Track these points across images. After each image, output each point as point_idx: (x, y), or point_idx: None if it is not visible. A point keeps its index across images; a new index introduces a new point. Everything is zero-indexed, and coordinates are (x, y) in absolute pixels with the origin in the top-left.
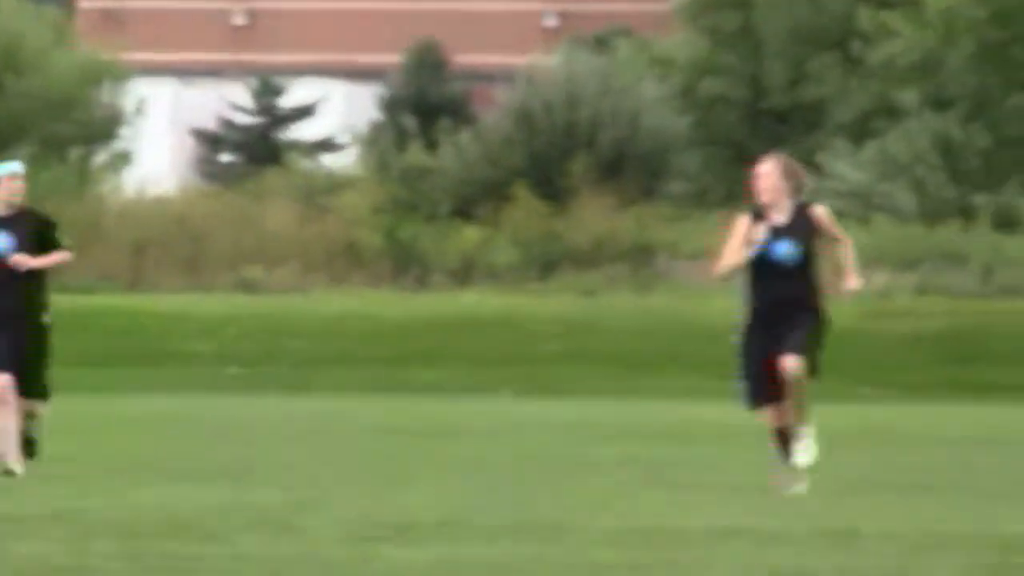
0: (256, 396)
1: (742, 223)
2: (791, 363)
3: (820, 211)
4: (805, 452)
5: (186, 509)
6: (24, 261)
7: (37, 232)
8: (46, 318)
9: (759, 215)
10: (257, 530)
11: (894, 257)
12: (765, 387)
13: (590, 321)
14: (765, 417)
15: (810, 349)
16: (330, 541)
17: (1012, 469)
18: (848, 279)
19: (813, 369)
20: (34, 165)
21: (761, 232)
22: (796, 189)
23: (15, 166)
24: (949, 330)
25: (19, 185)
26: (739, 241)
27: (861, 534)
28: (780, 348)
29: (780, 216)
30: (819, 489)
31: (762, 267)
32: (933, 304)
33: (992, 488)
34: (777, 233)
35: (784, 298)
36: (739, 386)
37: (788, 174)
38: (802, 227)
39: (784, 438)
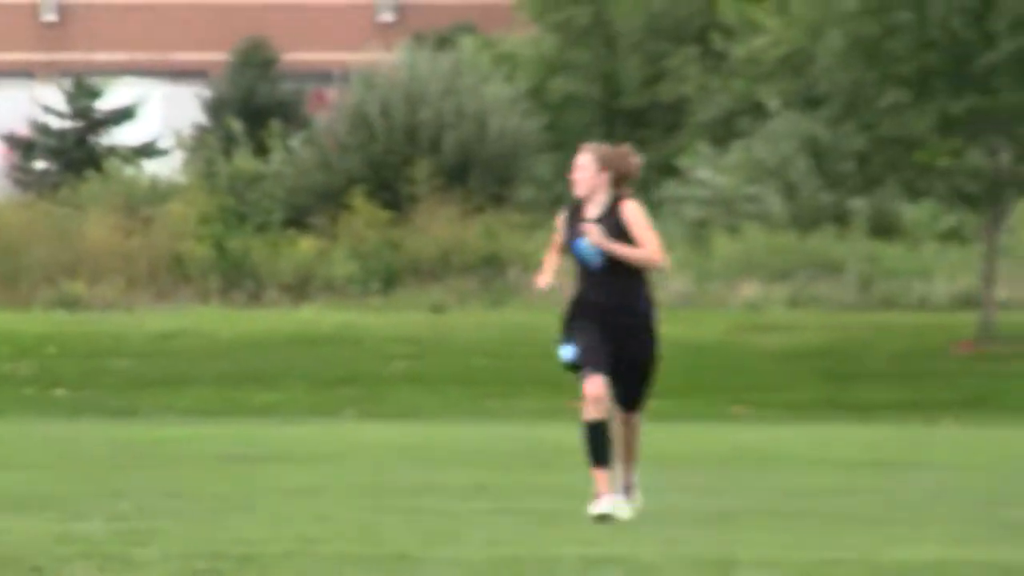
0: (79, 420)
1: (559, 222)
2: (632, 418)
3: (629, 207)
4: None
5: (10, 542)
6: None
7: None
8: None
9: (576, 211)
10: (87, 563)
11: (765, 267)
12: (597, 358)
13: (438, 338)
14: (589, 392)
15: (649, 391)
16: (166, 574)
17: (894, 492)
18: (600, 234)
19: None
20: None
21: (589, 235)
22: (617, 181)
23: None
24: (825, 345)
25: None
26: (557, 243)
27: (739, 563)
28: (620, 400)
29: (591, 212)
30: (694, 516)
31: (580, 266)
32: (808, 317)
33: (874, 513)
34: (583, 231)
35: (605, 302)
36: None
37: (605, 165)
38: (609, 226)
39: (603, 439)
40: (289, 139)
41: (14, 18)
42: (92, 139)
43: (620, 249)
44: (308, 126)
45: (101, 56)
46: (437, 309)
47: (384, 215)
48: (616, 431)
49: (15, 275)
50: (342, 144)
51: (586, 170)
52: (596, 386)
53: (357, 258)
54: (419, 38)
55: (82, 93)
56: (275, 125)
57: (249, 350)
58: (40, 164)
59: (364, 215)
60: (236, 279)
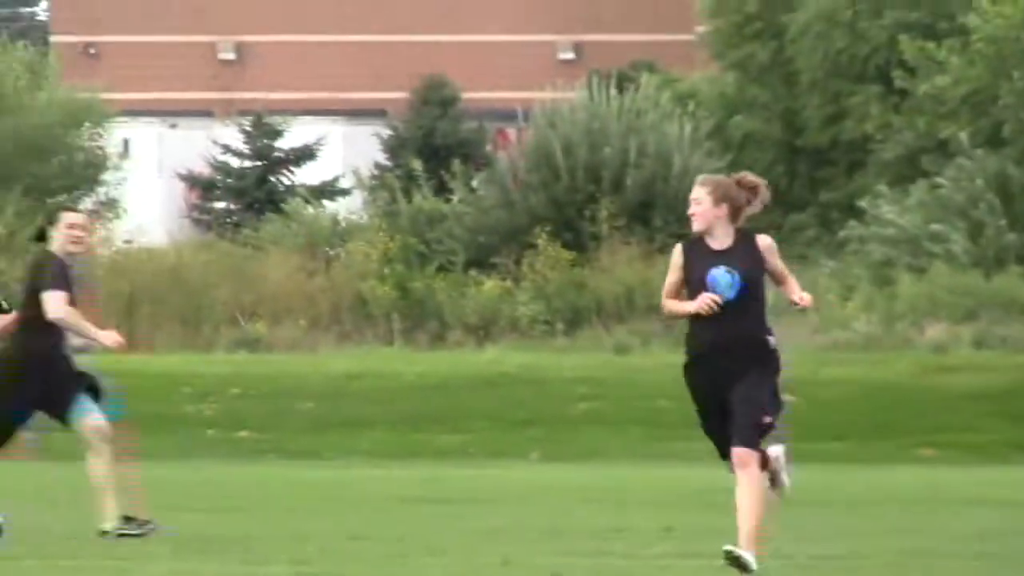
0: (263, 462)
1: (677, 255)
2: (742, 456)
3: (765, 240)
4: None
5: None
6: None
7: None
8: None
9: (699, 245)
10: None
11: (950, 307)
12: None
13: (621, 380)
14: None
15: (766, 424)
16: None
17: None
18: (793, 293)
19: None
20: (19, 217)
21: (719, 282)
22: (735, 214)
23: None
24: (1013, 386)
25: None
26: (677, 278)
27: None
28: (731, 428)
29: (718, 244)
30: (881, 558)
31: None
32: (994, 359)
33: None
34: (715, 262)
35: (726, 338)
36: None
37: (721, 198)
38: (744, 256)
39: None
40: (470, 178)
41: (192, 57)
42: (272, 178)
43: (808, 299)
44: (489, 165)
45: (279, 95)
46: (621, 350)
47: (567, 255)
48: (739, 494)
49: (196, 316)
50: (524, 183)
51: (701, 204)
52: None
53: (541, 298)
54: (599, 76)
55: (261, 132)
56: (456, 164)
57: (432, 391)
58: (220, 204)
59: (547, 255)
60: (419, 320)
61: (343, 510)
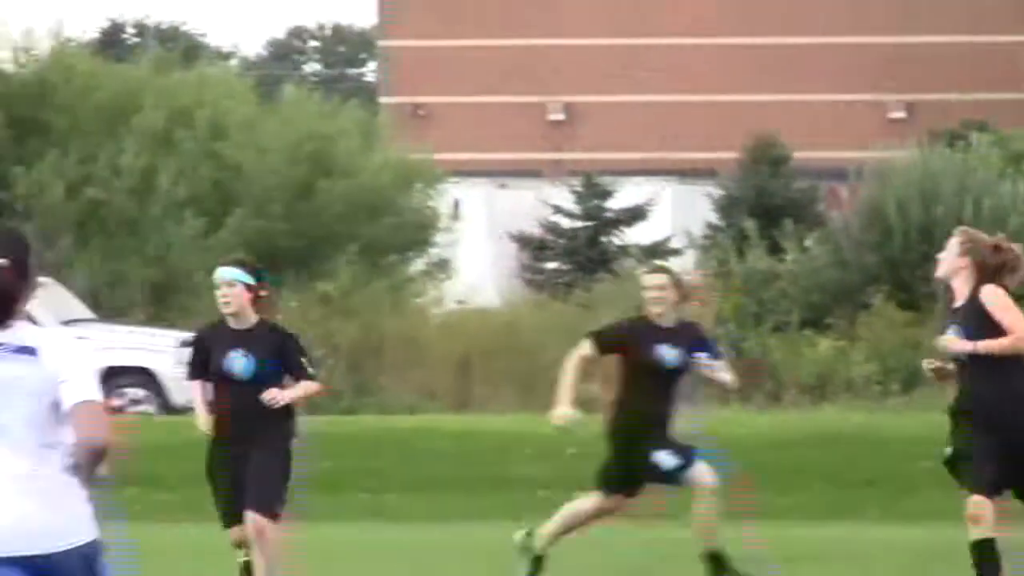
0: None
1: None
2: None
3: (985, 291)
4: None
5: None
6: (277, 397)
7: (277, 350)
8: (291, 445)
9: (947, 301)
10: None
11: None
12: (980, 473)
13: None
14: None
15: None
16: None
17: None
18: (957, 343)
19: None
20: (352, 279)
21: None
22: (980, 270)
23: (227, 272)
24: None
25: (234, 293)
26: None
27: None
28: None
29: (957, 300)
30: None
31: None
32: None
33: None
34: (951, 321)
35: (980, 393)
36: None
37: (966, 251)
38: (967, 315)
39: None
40: (803, 237)
41: (522, 117)
42: (603, 239)
43: (983, 345)
44: (822, 224)
45: (608, 155)
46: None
47: (902, 315)
48: None
49: (531, 376)
50: (857, 242)
51: (949, 251)
52: (976, 506)
53: (876, 358)
54: (931, 134)
55: (591, 192)
56: (788, 223)
57: (769, 451)
58: (551, 264)
59: (882, 315)
60: (754, 380)
61: (688, 570)
